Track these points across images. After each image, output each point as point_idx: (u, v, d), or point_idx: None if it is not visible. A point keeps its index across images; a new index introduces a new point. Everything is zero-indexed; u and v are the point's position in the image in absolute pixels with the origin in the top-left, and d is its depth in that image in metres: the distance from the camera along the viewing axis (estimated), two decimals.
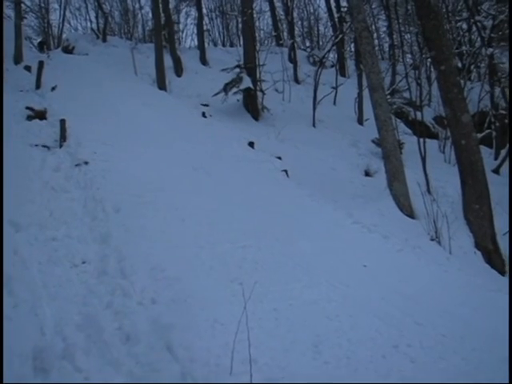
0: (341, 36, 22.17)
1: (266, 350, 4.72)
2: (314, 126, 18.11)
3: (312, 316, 5.56)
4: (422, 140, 13.33)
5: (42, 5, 31.29)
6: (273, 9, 28.80)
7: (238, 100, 18.23)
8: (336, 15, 24.85)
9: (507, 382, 4.62)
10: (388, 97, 13.74)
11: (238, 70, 18.14)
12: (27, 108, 12.87)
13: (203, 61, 24.60)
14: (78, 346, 4.53)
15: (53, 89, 15.47)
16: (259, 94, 18.38)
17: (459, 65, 20.18)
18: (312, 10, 35.01)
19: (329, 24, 29.99)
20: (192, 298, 5.57)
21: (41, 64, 16.70)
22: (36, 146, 10.70)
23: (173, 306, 5.37)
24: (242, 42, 21.71)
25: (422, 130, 14.32)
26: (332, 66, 24.38)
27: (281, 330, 5.17)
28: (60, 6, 31.76)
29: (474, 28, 19.58)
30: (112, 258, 6.32)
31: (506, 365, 4.87)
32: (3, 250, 5.78)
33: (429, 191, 11.87)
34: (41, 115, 12.73)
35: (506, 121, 16.90)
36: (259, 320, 5.21)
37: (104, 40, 26.96)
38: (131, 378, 4.25)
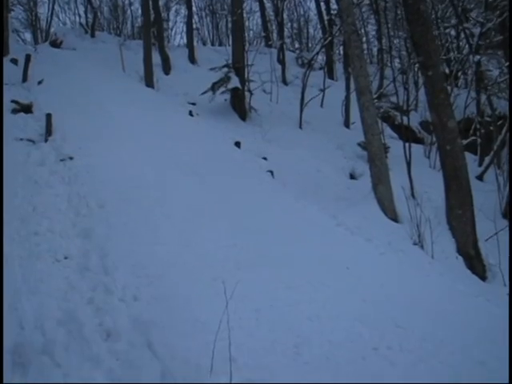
0: (330, 38, 22.12)
1: (247, 350, 4.73)
2: (300, 127, 18.12)
3: (293, 317, 5.57)
4: (407, 144, 13.39)
5: None
6: (263, 9, 28.80)
7: (225, 99, 18.20)
8: (326, 18, 24.85)
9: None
10: (375, 101, 13.78)
11: (226, 69, 18.09)
12: (13, 101, 12.75)
13: (192, 59, 24.53)
14: (58, 342, 4.49)
15: (39, 83, 15.37)
16: (247, 94, 18.36)
17: (446, 71, 20.29)
18: (302, 12, 35.07)
19: (318, 26, 30.10)
20: (174, 295, 5.57)
21: (28, 57, 16.60)
22: (21, 139, 10.65)
23: (154, 303, 5.36)
24: (231, 42, 21.64)
25: (407, 135, 14.38)
26: (320, 69, 24.34)
27: (262, 331, 5.18)
28: None
29: (462, 35, 19.73)
30: (94, 254, 6.31)
31: (482, 368, 4.94)
32: None
33: (413, 196, 11.92)
34: (26, 109, 12.64)
35: (491, 128, 17.04)
36: (240, 320, 5.20)
37: (92, 35, 26.79)
38: (111, 375, 4.24)
